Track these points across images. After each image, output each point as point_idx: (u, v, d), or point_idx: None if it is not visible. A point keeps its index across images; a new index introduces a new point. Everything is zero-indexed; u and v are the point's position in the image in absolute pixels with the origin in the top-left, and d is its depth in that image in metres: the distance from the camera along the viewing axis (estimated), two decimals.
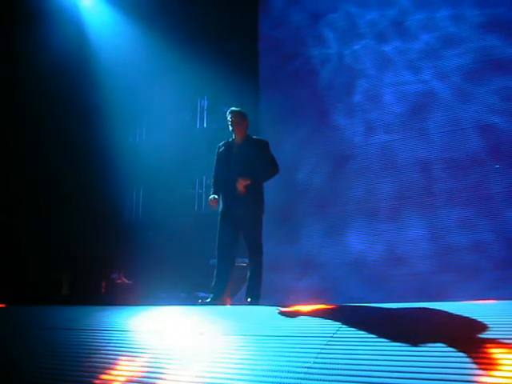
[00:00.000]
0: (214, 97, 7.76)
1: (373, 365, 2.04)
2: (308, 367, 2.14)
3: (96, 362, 2.65)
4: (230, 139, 4.81)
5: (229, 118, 4.76)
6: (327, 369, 2.10)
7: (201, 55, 7.07)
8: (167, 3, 7.50)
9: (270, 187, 6.45)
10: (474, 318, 2.41)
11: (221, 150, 4.78)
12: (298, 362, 2.21)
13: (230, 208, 4.60)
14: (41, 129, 7.45)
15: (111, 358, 2.66)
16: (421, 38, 6.08)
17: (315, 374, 2.09)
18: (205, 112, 7.93)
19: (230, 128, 4.74)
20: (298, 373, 2.11)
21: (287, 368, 2.16)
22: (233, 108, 4.83)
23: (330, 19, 6.76)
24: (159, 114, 7.88)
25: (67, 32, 7.33)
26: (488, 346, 2.03)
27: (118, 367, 2.53)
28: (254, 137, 4.81)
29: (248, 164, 4.57)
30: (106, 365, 2.58)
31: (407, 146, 5.95)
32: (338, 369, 2.08)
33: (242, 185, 4.46)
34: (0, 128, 7.19)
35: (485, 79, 5.61)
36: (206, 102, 7.99)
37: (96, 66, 7.55)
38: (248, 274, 4.60)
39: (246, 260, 4.72)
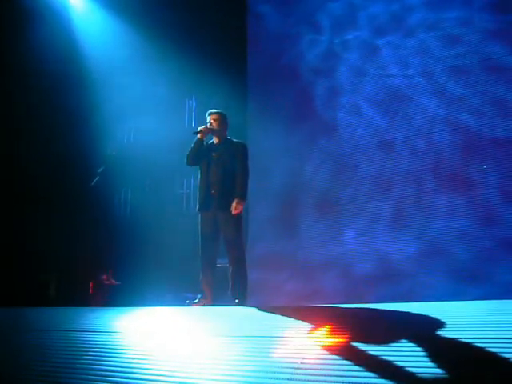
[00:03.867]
0: (202, 97, 7.76)
1: (359, 364, 2.08)
2: (295, 368, 2.17)
3: (85, 363, 2.66)
4: (210, 142, 4.83)
5: (208, 120, 4.78)
6: (314, 369, 2.13)
7: (189, 56, 7.07)
8: (155, 4, 7.49)
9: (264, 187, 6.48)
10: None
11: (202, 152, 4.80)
12: (285, 362, 2.24)
13: (208, 207, 4.64)
14: (28, 128, 7.40)
15: (100, 360, 2.66)
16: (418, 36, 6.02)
17: (302, 374, 2.12)
18: (193, 112, 7.94)
19: (211, 132, 4.77)
20: (285, 373, 2.14)
21: (274, 369, 2.18)
22: (212, 110, 4.85)
23: (325, 12, 6.69)
24: (147, 114, 7.86)
25: (54, 32, 7.28)
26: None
27: (107, 368, 2.54)
28: (234, 140, 4.84)
29: (226, 172, 4.62)
30: (96, 366, 2.59)
31: (398, 150, 5.96)
32: (325, 369, 2.11)
33: (238, 210, 4.52)
34: None
35: (473, 82, 5.63)
36: (193, 103, 7.99)
37: (83, 66, 7.52)
38: (230, 274, 4.61)
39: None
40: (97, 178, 5.69)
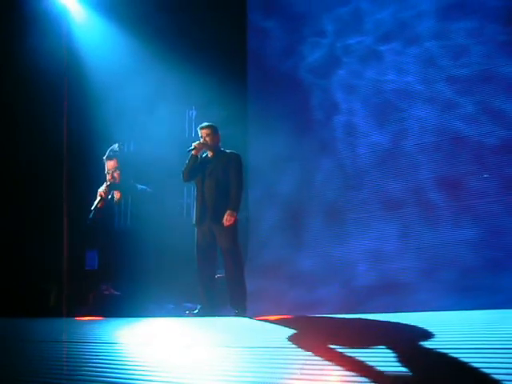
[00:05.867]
0: (202, 107, 7.77)
1: (359, 375, 2.07)
2: (294, 378, 2.16)
3: (85, 374, 2.65)
4: (204, 155, 4.88)
5: (200, 135, 4.84)
6: (313, 380, 2.12)
7: (189, 65, 7.09)
8: (155, 14, 7.52)
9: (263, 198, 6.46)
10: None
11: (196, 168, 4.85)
12: (284, 373, 2.23)
13: (203, 220, 4.67)
14: (27, 135, 7.40)
15: (100, 371, 2.66)
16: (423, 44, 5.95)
17: None
18: (193, 122, 7.95)
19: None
20: None
21: (273, 380, 2.18)
22: (203, 124, 4.91)
23: (328, 21, 6.63)
24: (147, 124, 7.87)
25: (52, 39, 7.31)
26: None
27: (107, 380, 2.53)
28: (228, 151, 4.88)
29: (219, 185, 4.66)
30: (96, 377, 2.58)
31: (400, 161, 5.91)
32: (325, 380, 2.10)
33: (230, 222, 4.54)
34: None
35: (471, 90, 5.63)
36: (194, 112, 8.00)
37: (82, 74, 7.53)
38: (228, 285, 4.62)
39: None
40: (93, 212, 5.33)
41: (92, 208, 5.29)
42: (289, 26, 6.95)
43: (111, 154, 5.38)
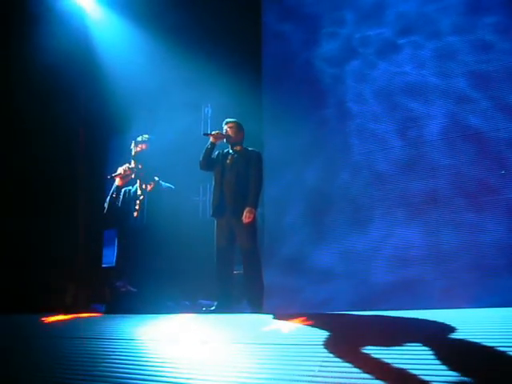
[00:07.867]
0: (217, 104, 7.77)
1: (376, 372, 2.04)
2: (312, 375, 2.14)
3: (103, 370, 2.66)
4: (225, 150, 4.87)
5: (224, 129, 4.83)
6: (332, 377, 2.10)
7: (205, 63, 7.09)
8: (171, 11, 7.53)
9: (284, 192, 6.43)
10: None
11: (215, 159, 4.84)
12: (301, 370, 2.21)
13: (220, 212, 4.66)
14: (43, 131, 7.45)
15: (118, 367, 2.66)
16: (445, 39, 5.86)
17: (320, 382, 2.09)
18: (208, 119, 7.95)
19: (225, 140, 4.81)
20: (302, 382, 2.11)
21: (291, 377, 2.16)
22: (228, 119, 4.89)
23: (346, 10, 6.57)
24: (163, 121, 7.89)
25: (67, 37, 7.35)
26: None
27: (125, 376, 2.54)
28: (249, 148, 4.87)
29: (239, 179, 4.64)
30: (113, 373, 2.59)
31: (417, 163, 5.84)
32: (343, 377, 2.08)
33: (249, 219, 4.52)
34: None
35: (488, 86, 5.55)
36: (209, 110, 8.00)
37: (98, 73, 7.57)
38: (246, 283, 4.60)
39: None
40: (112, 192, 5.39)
41: (108, 177, 5.25)
42: (306, 19, 6.89)
43: (139, 140, 5.42)
